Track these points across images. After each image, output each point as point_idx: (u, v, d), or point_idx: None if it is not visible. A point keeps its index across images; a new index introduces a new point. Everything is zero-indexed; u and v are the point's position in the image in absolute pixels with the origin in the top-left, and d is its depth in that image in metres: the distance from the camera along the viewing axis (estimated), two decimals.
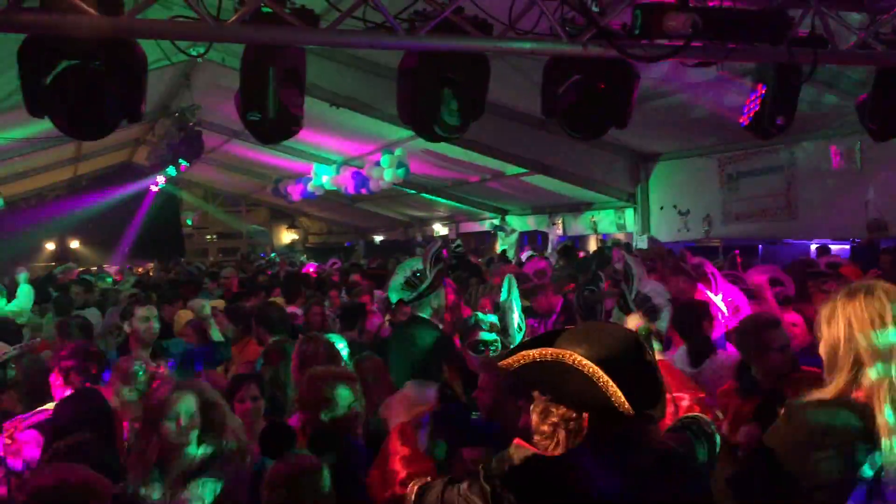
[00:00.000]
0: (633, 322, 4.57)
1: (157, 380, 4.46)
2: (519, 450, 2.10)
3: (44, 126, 11.20)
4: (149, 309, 5.83)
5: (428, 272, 5.55)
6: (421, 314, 5.44)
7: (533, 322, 6.65)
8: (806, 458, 2.29)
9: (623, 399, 1.97)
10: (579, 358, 2.02)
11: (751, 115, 5.38)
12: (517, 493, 2.01)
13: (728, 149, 11.37)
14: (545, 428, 2.10)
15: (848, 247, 10.13)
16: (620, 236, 14.54)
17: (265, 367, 5.18)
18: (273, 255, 20.86)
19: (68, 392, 4.34)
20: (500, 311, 5.16)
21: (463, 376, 4.53)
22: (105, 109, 4.31)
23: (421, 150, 13.34)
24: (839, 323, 2.41)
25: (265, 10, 4.24)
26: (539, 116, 5.19)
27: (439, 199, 18.64)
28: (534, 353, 2.09)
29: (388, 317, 6.72)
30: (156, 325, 5.72)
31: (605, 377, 1.98)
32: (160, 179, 19.22)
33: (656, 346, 4.25)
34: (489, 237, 18.91)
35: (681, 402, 2.54)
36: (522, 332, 5.35)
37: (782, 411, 2.46)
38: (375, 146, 14.60)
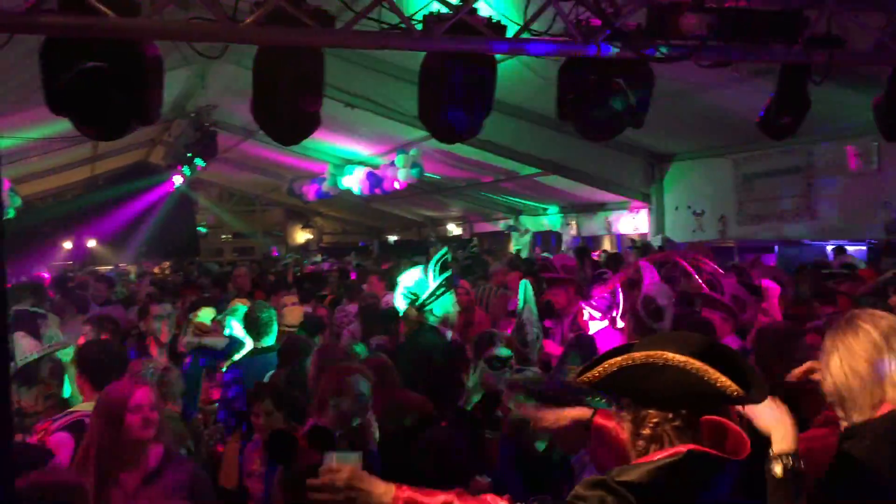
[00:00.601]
0: None
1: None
2: (638, 467, 2.06)
3: (61, 126, 11.35)
4: (164, 308, 5.87)
5: (432, 280, 5.58)
6: (429, 321, 5.45)
7: (549, 323, 6.65)
8: None
9: (727, 380, 1.96)
10: (670, 355, 2.03)
11: (763, 114, 5.36)
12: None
13: (743, 149, 11.31)
14: (646, 432, 2.09)
15: (865, 248, 10.07)
16: (634, 237, 14.50)
17: (279, 368, 5.21)
18: (288, 255, 20.90)
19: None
20: (518, 321, 5.18)
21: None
22: (120, 111, 4.34)
23: (435, 150, 13.36)
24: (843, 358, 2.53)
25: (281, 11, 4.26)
26: (553, 117, 5.18)
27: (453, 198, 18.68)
28: (618, 360, 2.09)
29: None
30: (171, 324, 5.77)
31: (703, 365, 1.99)
32: (177, 179, 19.32)
33: None
34: (503, 237, 18.90)
35: None
36: (540, 342, 5.36)
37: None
38: (390, 146, 14.63)
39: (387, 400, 4.30)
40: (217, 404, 5.54)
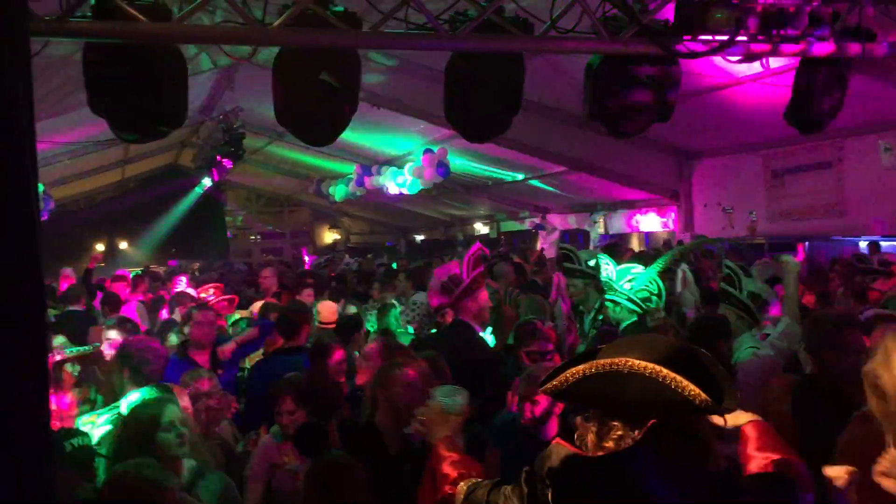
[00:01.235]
0: None
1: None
2: (558, 448, 2.02)
3: (93, 130, 11.51)
4: (205, 314, 5.95)
5: (464, 275, 5.58)
6: (462, 317, 5.46)
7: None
8: None
9: (695, 388, 1.84)
10: (635, 361, 1.90)
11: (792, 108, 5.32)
12: (555, 493, 1.94)
13: (773, 145, 11.20)
14: (609, 444, 1.96)
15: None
16: (663, 234, 14.41)
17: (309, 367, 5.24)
18: (334, 254, 21.00)
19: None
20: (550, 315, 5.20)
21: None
22: (150, 115, 4.40)
23: (462, 149, 13.37)
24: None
25: (309, 12, 4.30)
26: (580, 114, 5.18)
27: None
28: (581, 368, 1.97)
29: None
30: (214, 328, 5.88)
31: (669, 373, 1.86)
32: (206, 181, 19.52)
33: None
34: (530, 236, 18.86)
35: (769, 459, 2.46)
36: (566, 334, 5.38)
37: None
38: (417, 145, 14.67)
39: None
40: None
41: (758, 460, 2.36)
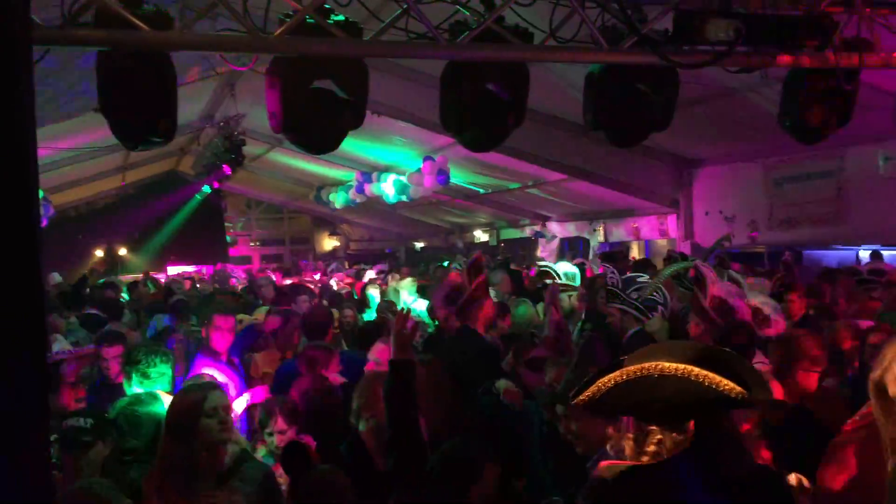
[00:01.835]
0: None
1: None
2: (611, 468, 2.02)
3: (93, 136, 11.53)
4: (226, 319, 5.97)
5: (467, 286, 5.59)
6: (469, 325, 5.47)
7: None
8: None
9: (729, 383, 1.86)
10: (665, 364, 1.92)
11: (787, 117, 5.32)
12: None
13: (773, 154, 11.22)
14: (651, 448, 1.98)
15: None
16: (663, 242, 14.41)
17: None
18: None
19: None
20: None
21: None
22: (145, 122, 4.41)
23: (462, 157, 13.39)
24: None
25: (309, 21, 4.32)
26: (580, 122, 5.19)
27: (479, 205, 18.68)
28: (612, 376, 1.98)
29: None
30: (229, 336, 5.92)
31: (701, 371, 1.89)
32: (205, 188, 19.56)
33: None
34: (530, 244, 18.87)
35: None
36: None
37: None
38: (416, 153, 14.69)
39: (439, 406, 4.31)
40: None
41: None
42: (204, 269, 20.57)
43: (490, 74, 4.67)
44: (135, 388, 4.60)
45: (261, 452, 4.30)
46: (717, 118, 10.15)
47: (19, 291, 2.91)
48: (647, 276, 5.92)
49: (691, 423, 1.95)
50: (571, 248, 16.66)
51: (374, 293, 10.38)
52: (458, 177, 14.98)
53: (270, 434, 4.34)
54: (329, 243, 28.52)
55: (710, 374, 1.88)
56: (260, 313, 8.02)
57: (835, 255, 10.87)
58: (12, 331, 2.89)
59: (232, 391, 5.14)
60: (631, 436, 2.03)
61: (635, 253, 15.19)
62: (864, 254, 10.41)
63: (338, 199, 19.20)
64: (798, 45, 4.74)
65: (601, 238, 15.90)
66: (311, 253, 27.97)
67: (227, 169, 14.50)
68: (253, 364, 6.42)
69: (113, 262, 23.25)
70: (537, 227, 18.13)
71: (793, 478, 2.58)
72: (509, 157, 12.47)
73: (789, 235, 11.28)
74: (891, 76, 5.98)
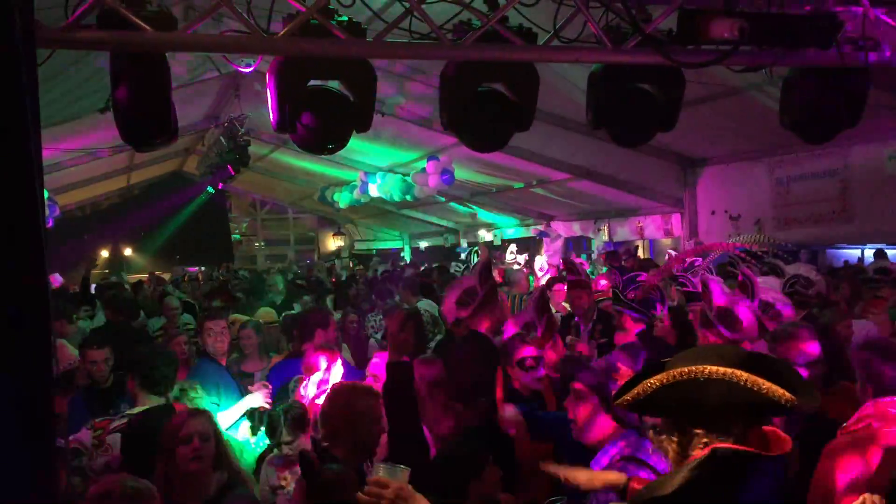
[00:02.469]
0: None
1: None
2: (665, 480, 2.00)
3: (98, 137, 11.55)
4: (217, 323, 5.98)
5: (478, 289, 5.60)
6: (478, 329, 5.46)
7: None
8: None
9: (779, 389, 1.86)
10: (713, 368, 1.91)
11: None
12: None
13: (778, 153, 11.19)
14: (697, 453, 1.97)
15: None
16: (668, 242, 14.39)
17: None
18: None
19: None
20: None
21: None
22: (149, 124, 4.42)
23: (466, 156, 13.38)
24: None
25: (313, 22, 4.31)
26: (584, 122, 5.17)
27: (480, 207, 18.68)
28: (657, 378, 1.99)
29: None
30: (224, 339, 5.92)
31: (750, 376, 1.88)
32: (210, 188, 19.60)
33: None
34: (534, 243, 18.86)
35: None
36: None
37: None
38: (421, 153, 14.69)
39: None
40: None
41: None
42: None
43: (490, 74, 4.66)
44: None
45: None
46: (722, 117, 10.13)
47: (24, 296, 2.92)
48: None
49: (737, 428, 1.94)
50: (576, 248, 16.64)
51: None
52: (462, 176, 14.98)
53: (279, 444, 4.37)
54: (333, 243, 28.54)
55: (759, 379, 1.88)
56: (268, 313, 8.02)
57: (840, 255, 10.85)
58: (19, 332, 2.90)
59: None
60: (675, 439, 2.03)
61: (641, 252, 15.16)
62: (870, 252, 10.39)
63: (342, 199, 19.20)
64: (803, 43, 4.72)
65: (605, 237, 15.87)
66: (316, 253, 28.00)
67: (230, 169, 14.52)
68: None
69: (118, 263, 23.30)
70: (542, 227, 18.11)
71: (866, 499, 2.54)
72: (513, 156, 12.46)
73: (794, 235, 11.25)
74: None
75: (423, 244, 25.87)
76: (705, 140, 11.60)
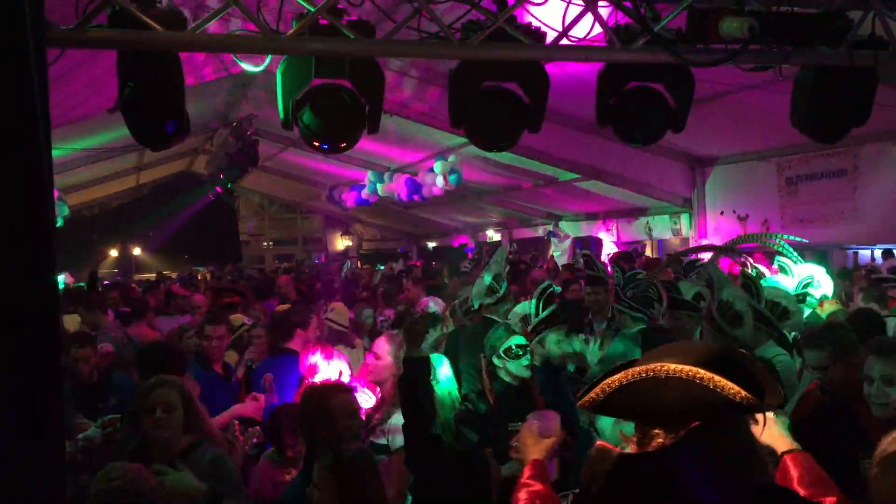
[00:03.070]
0: None
1: None
2: (602, 451, 2.05)
3: (108, 137, 11.60)
4: (216, 329, 6.00)
5: (504, 277, 5.65)
6: (492, 317, 5.47)
7: None
8: None
9: (734, 387, 1.79)
10: (672, 366, 1.85)
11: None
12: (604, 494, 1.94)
13: (786, 152, 11.16)
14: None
15: None
16: (676, 241, 14.36)
17: None
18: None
19: None
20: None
21: None
22: (160, 123, 4.44)
23: (474, 156, 13.39)
24: None
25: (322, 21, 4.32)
26: (592, 122, 5.17)
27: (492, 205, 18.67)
28: (617, 378, 1.93)
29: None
30: (223, 343, 5.95)
31: (707, 373, 1.81)
32: (219, 188, 19.66)
33: None
34: (542, 243, 18.85)
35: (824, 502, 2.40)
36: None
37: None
38: (429, 153, 14.70)
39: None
40: None
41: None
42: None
43: (497, 73, 4.66)
44: None
45: None
46: (731, 116, 10.10)
47: (34, 293, 2.94)
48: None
49: (694, 428, 1.87)
50: (584, 248, 16.62)
51: None
52: (470, 176, 15.00)
53: (282, 448, 4.42)
54: (342, 243, 28.58)
55: (717, 378, 1.80)
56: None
57: (850, 255, 10.81)
58: (28, 330, 2.91)
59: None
60: (635, 438, 1.98)
61: (649, 252, 15.14)
62: (879, 252, 10.35)
63: (350, 199, 19.24)
64: (812, 42, 4.71)
65: (614, 237, 15.86)
66: (325, 252, 28.05)
67: (237, 170, 14.58)
68: None
69: (127, 262, 23.39)
70: (550, 227, 18.10)
71: None
72: (522, 156, 12.46)
73: (803, 234, 11.20)
74: None
75: (431, 244, 25.90)
76: (714, 139, 11.57)
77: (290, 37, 4.30)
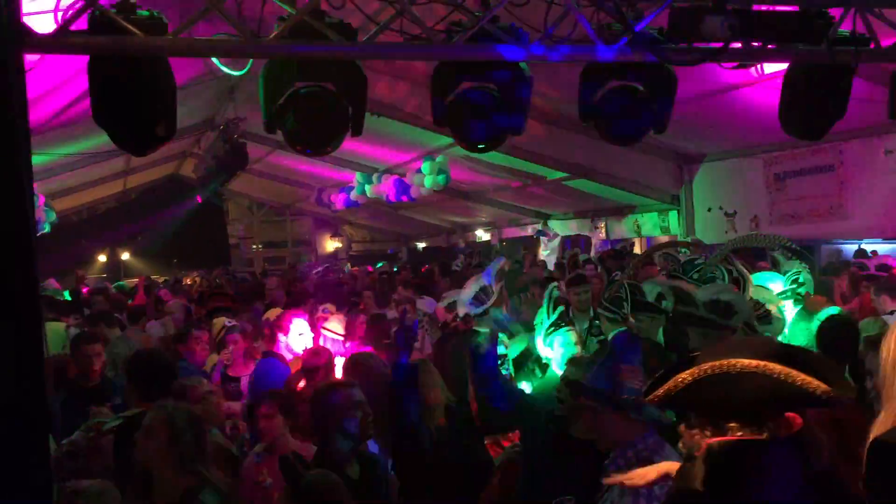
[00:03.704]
0: None
1: None
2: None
3: (94, 142, 11.55)
4: (203, 333, 6.00)
5: (493, 288, 5.63)
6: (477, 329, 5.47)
7: None
8: None
9: (814, 380, 1.84)
10: (744, 361, 1.90)
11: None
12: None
13: (773, 148, 11.19)
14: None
15: None
16: (665, 239, 14.39)
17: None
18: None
19: None
20: None
21: None
22: (144, 126, 4.40)
23: (462, 156, 13.39)
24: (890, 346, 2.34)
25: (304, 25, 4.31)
26: (579, 121, 5.18)
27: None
28: (688, 374, 1.97)
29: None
30: (207, 348, 5.95)
31: (783, 368, 1.86)
32: (207, 191, 19.57)
33: None
34: (531, 242, 18.86)
35: None
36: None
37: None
38: (416, 154, 14.69)
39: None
40: None
41: None
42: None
43: (479, 73, 4.66)
44: None
45: None
46: (718, 114, 10.13)
47: (15, 297, 2.92)
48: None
49: (770, 421, 1.92)
50: (573, 247, 16.63)
51: None
52: (458, 175, 15.01)
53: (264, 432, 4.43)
54: (331, 245, 28.53)
55: (793, 371, 1.86)
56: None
57: (836, 250, 10.86)
58: (9, 335, 2.90)
59: None
60: (709, 433, 2.00)
61: (637, 250, 15.16)
62: (868, 247, 10.38)
63: (339, 201, 19.21)
64: (793, 40, 4.72)
65: (603, 235, 15.88)
66: (314, 255, 27.98)
67: (223, 174, 14.55)
68: None
69: (115, 267, 23.27)
70: (539, 226, 18.12)
71: None
72: (509, 155, 12.46)
73: (791, 230, 11.25)
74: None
75: (421, 245, 25.88)
76: (701, 137, 11.60)
77: (270, 40, 4.28)
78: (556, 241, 17.23)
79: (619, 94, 4.89)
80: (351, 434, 3.65)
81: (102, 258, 23.85)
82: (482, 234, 22.04)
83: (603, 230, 15.89)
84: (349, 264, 20.11)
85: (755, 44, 4.70)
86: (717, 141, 11.86)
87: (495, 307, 5.87)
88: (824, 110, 5.16)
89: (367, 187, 17.04)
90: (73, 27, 4.02)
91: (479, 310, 5.75)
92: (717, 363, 1.93)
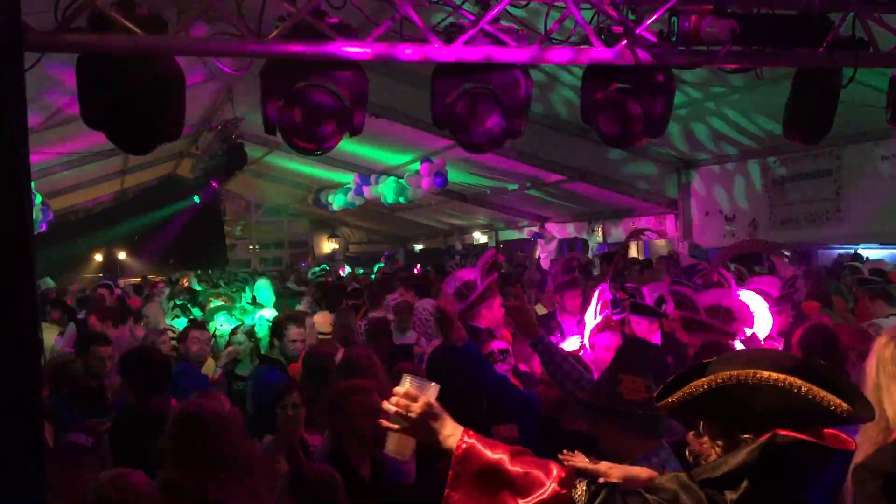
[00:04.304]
0: None
1: None
2: (720, 464, 1.94)
3: (93, 141, 11.52)
4: (202, 333, 6.00)
5: (479, 282, 5.56)
6: (474, 324, 5.43)
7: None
8: None
9: (835, 399, 1.80)
10: (764, 373, 1.86)
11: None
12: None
13: (771, 153, 11.21)
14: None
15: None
16: (662, 243, 14.39)
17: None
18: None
19: None
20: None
21: None
22: (148, 126, 4.39)
23: (460, 158, 13.39)
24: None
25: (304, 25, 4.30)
26: (578, 124, 5.18)
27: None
28: (703, 381, 1.93)
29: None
30: (206, 347, 5.95)
31: (804, 383, 1.83)
32: (204, 192, 19.53)
33: None
34: (528, 245, 18.86)
35: None
36: None
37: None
38: (415, 155, 14.68)
39: None
40: None
41: None
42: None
43: (479, 75, 4.65)
44: None
45: None
46: (716, 117, 10.15)
47: (11, 297, 2.91)
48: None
49: (786, 433, 1.86)
50: (570, 250, 16.63)
51: None
52: (456, 178, 15.01)
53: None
54: (328, 246, 28.50)
55: (815, 388, 1.82)
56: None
57: (833, 255, 10.88)
58: (6, 334, 2.89)
59: None
60: (721, 443, 1.97)
61: (634, 253, 15.15)
62: (864, 252, 10.41)
63: (336, 202, 19.20)
64: (793, 44, 4.73)
65: (600, 238, 15.89)
66: (311, 256, 27.96)
67: (226, 173, 14.52)
68: None
69: (112, 267, 23.21)
70: (536, 229, 18.12)
71: None
72: (507, 158, 12.47)
73: (789, 235, 11.26)
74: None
75: (418, 246, 25.88)
76: (699, 141, 11.61)
77: (270, 40, 4.28)
78: (554, 244, 17.24)
79: (618, 97, 4.89)
80: (366, 438, 3.65)
81: (99, 258, 23.80)
82: (479, 237, 22.04)
83: (600, 233, 15.90)
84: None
85: (755, 47, 4.69)
86: (715, 145, 11.87)
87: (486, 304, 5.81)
88: (825, 114, 5.16)
89: (364, 188, 17.03)
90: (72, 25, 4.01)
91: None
92: (736, 372, 1.89)
